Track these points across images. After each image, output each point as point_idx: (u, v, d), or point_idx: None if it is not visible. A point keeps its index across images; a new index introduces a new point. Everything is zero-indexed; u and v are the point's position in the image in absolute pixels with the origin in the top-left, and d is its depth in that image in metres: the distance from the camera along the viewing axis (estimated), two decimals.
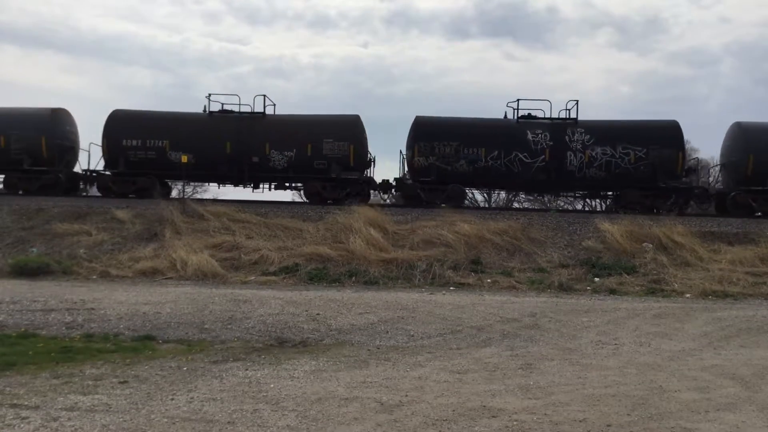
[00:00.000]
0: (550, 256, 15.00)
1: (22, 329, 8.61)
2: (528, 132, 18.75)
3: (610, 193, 20.26)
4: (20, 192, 19.54)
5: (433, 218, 16.35)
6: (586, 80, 74.37)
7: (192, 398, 5.65)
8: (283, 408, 5.40)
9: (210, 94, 19.79)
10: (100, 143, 19.63)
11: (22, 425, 4.87)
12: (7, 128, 19.45)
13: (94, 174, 20.13)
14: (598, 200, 22.87)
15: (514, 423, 5.09)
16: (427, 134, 18.90)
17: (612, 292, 13.10)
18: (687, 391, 6.14)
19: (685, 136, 19.30)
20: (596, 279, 13.91)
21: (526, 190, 22.58)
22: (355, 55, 75.70)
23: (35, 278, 13.45)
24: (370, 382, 6.31)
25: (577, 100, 19.06)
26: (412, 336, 8.75)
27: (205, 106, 19.88)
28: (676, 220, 16.20)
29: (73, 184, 20.77)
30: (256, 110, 19.63)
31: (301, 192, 20.23)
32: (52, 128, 19.80)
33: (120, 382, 6.14)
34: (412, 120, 19.33)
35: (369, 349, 7.96)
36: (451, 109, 70.41)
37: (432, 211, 17.60)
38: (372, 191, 20.16)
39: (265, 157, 19.03)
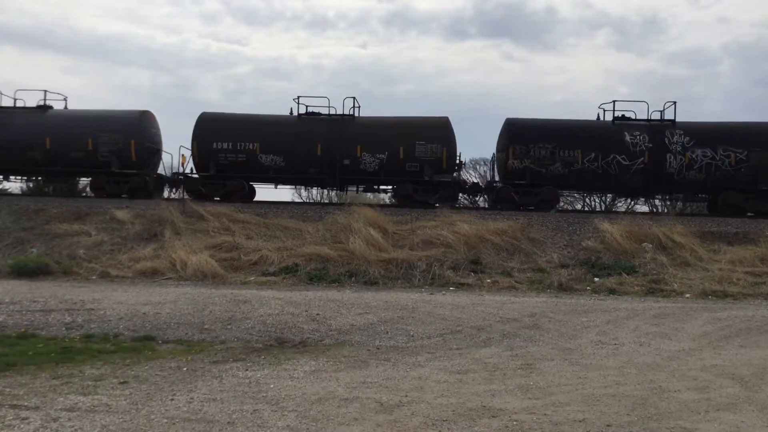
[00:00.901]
0: (549, 256, 15.00)
1: (22, 330, 8.60)
2: (626, 134, 18.48)
3: (706, 195, 19.72)
4: (106, 195, 19.14)
5: (433, 218, 16.37)
6: (585, 80, 74.30)
7: (192, 398, 5.65)
8: (283, 408, 5.40)
9: (299, 97, 19.55)
10: (178, 146, 19.67)
11: (22, 426, 4.87)
12: (95, 130, 19.18)
13: (180, 177, 19.82)
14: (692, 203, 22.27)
15: (514, 423, 5.09)
16: (523, 136, 18.64)
17: (612, 292, 13.11)
18: (687, 391, 6.14)
19: None
20: (596, 279, 13.92)
21: (621, 193, 21.93)
22: (353, 56, 75.63)
23: (35, 279, 13.45)
24: (370, 383, 6.31)
25: (675, 102, 18.89)
26: (412, 336, 8.74)
27: (292, 109, 19.67)
28: (676, 219, 16.22)
29: (159, 187, 20.58)
30: (345, 112, 19.40)
31: (389, 195, 19.95)
32: (141, 131, 19.56)
33: (120, 383, 6.14)
34: (503, 122, 19.23)
35: (369, 350, 7.96)
36: (451, 109, 70.39)
37: (431, 211, 17.61)
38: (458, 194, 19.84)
39: (357, 159, 18.75)
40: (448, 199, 18.91)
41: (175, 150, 21.95)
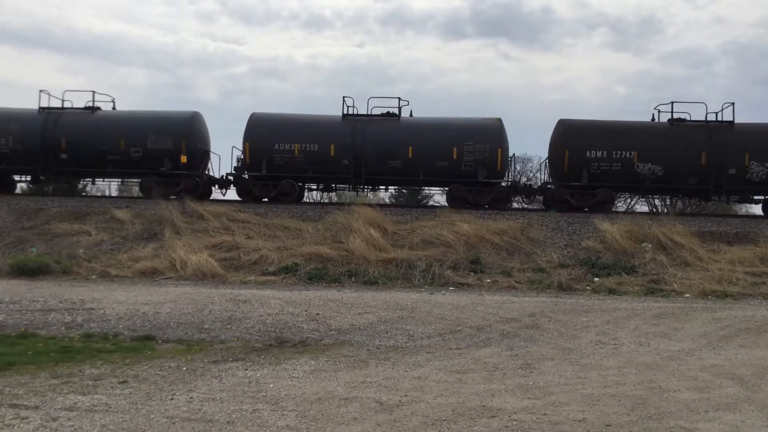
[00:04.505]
0: (549, 256, 15.00)
1: (22, 329, 8.60)
2: None
3: None
4: (466, 205, 18.21)
5: (433, 218, 16.36)
6: (582, 80, 74.36)
7: (191, 398, 5.65)
8: (283, 408, 5.40)
9: (672, 102, 18.64)
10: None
11: (21, 425, 4.87)
12: (459, 139, 18.31)
13: (532, 186, 19.22)
14: None
15: (514, 423, 5.09)
16: None
17: (611, 291, 13.11)
18: (686, 390, 6.14)
19: None
20: (596, 279, 13.91)
21: None
22: (350, 56, 75.59)
23: (35, 278, 13.44)
24: (370, 382, 6.31)
25: None
26: (412, 336, 8.74)
27: (653, 115, 18.86)
28: (676, 219, 16.22)
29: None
30: (724, 118, 18.47)
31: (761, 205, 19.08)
32: (504, 138, 18.60)
33: (119, 382, 6.14)
34: None
35: (369, 349, 7.96)
36: (448, 109, 70.37)
37: (431, 210, 17.60)
38: None
39: (743, 168, 17.81)
40: None
41: None
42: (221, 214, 16.49)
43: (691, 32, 70.94)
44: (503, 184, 19.03)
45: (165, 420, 5.03)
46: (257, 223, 16.28)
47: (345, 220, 15.85)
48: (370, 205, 17.64)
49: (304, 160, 18.55)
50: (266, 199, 18.65)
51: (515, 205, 21.26)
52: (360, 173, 18.55)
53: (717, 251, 15.04)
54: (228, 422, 5.00)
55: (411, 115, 19.39)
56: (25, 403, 5.43)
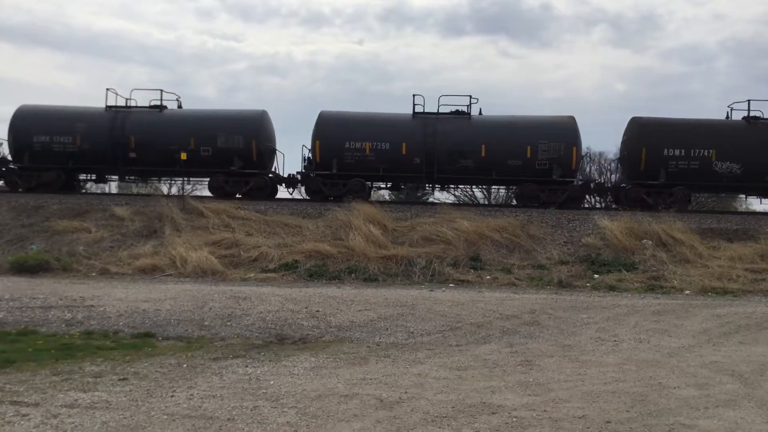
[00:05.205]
0: (549, 252, 15.00)
1: (22, 326, 8.61)
2: None
3: None
4: (537, 204, 18.23)
5: (433, 215, 16.37)
6: (581, 77, 74.41)
7: (192, 395, 5.65)
8: (283, 405, 5.41)
9: (749, 101, 18.69)
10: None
11: (22, 422, 4.87)
12: (533, 137, 18.21)
13: (605, 185, 19.35)
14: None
15: (514, 419, 5.09)
16: None
17: (611, 288, 13.11)
18: (686, 387, 6.15)
19: None
20: (596, 276, 13.92)
21: None
22: (350, 53, 75.66)
23: (35, 275, 13.45)
24: (370, 379, 6.32)
25: None
26: (412, 333, 8.75)
27: (727, 113, 18.91)
28: (676, 216, 16.21)
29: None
30: None
31: None
32: (577, 137, 18.48)
33: (120, 379, 6.14)
34: None
35: (369, 346, 7.96)
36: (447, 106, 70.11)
37: (431, 207, 17.59)
38: None
39: None
40: None
41: None
42: (221, 211, 16.49)
43: (690, 29, 71.00)
44: (575, 182, 18.92)
45: (165, 417, 5.04)
46: (257, 220, 16.29)
47: (345, 217, 15.86)
48: (369, 202, 17.63)
49: (375, 158, 18.44)
50: (332, 198, 18.50)
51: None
52: (432, 172, 18.45)
53: (717, 248, 15.05)
54: (228, 419, 5.01)
55: (480, 113, 19.22)
56: (26, 400, 5.43)
